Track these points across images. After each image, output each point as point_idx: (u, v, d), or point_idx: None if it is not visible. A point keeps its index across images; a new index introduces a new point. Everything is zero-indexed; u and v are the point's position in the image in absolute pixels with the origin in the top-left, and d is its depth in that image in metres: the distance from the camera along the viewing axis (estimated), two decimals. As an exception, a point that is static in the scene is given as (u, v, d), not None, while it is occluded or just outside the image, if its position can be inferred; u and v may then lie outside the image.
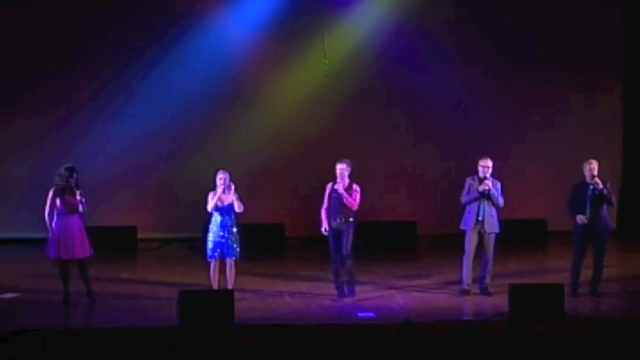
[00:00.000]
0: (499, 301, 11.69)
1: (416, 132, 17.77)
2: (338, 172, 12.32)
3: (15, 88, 17.15)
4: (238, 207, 12.12)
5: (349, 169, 12.33)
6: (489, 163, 12.48)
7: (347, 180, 12.32)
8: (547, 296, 11.07)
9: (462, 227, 12.63)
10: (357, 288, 12.52)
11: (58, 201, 12.06)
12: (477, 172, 12.55)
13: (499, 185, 12.53)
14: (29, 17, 16.95)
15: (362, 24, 17.40)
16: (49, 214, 12.10)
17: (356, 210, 12.35)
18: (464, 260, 12.56)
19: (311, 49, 17.49)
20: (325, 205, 12.41)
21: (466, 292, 12.48)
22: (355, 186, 12.37)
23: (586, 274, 12.48)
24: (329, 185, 12.46)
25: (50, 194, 12.14)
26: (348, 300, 12.23)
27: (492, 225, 12.49)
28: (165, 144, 17.43)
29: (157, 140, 17.39)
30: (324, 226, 12.36)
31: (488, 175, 12.44)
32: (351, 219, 12.32)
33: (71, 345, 9.75)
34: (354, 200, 12.29)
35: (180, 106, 17.27)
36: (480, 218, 12.42)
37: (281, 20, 17.29)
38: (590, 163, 12.31)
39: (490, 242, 12.52)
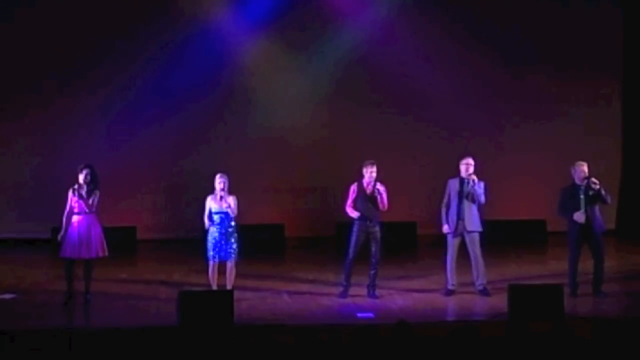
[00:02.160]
0: (499, 301, 11.68)
1: (416, 132, 17.79)
2: (369, 174, 12.22)
3: (13, 91, 17.21)
4: (232, 212, 12.12)
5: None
6: (471, 161, 12.47)
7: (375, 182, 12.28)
8: (546, 296, 11.06)
9: (445, 231, 12.57)
10: (357, 288, 12.53)
11: (72, 201, 12.06)
12: (459, 172, 12.53)
13: (482, 184, 12.47)
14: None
15: (362, 24, 17.43)
16: (66, 214, 12.09)
17: (386, 209, 12.29)
18: (448, 263, 12.53)
19: (311, 49, 17.50)
20: (350, 205, 12.30)
21: (451, 293, 12.47)
22: (381, 186, 12.25)
23: (585, 274, 12.48)
24: (354, 187, 12.36)
25: (69, 193, 12.14)
26: (348, 300, 12.24)
27: (473, 224, 12.42)
28: (165, 144, 17.45)
29: (157, 140, 17.41)
30: (356, 214, 12.21)
31: (471, 172, 12.41)
32: (378, 222, 12.29)
33: (71, 345, 9.75)
34: (385, 200, 12.23)
35: (180, 106, 17.30)
36: (461, 218, 12.38)
37: (281, 20, 17.32)
38: (581, 165, 12.30)
39: (475, 240, 12.44)
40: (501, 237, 16.82)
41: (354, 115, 17.60)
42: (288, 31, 17.41)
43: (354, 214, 12.27)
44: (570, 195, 12.29)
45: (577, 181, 12.27)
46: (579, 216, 12.18)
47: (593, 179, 12.14)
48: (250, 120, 17.52)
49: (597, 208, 12.29)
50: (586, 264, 12.48)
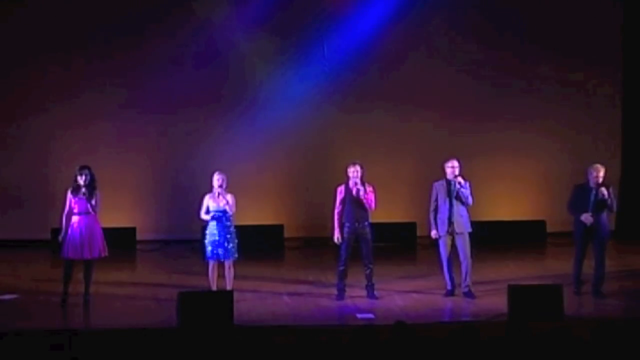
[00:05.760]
0: (498, 302, 11.68)
1: (416, 132, 17.77)
2: (351, 174, 12.20)
3: (13, 91, 17.20)
4: (230, 209, 12.11)
5: (362, 170, 12.24)
6: (456, 163, 12.46)
7: (359, 182, 12.24)
8: (546, 297, 11.06)
9: (434, 236, 12.56)
10: (357, 290, 12.52)
11: (71, 202, 12.06)
12: (445, 174, 12.51)
13: (468, 184, 12.46)
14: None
15: (361, 23, 17.44)
16: (65, 215, 12.09)
17: (373, 210, 12.29)
18: (444, 264, 12.51)
19: (311, 49, 17.49)
20: (338, 209, 12.29)
21: (451, 293, 12.47)
22: (369, 186, 12.28)
23: (585, 274, 12.48)
24: (341, 189, 12.33)
25: (67, 194, 12.13)
26: (348, 301, 12.23)
27: (462, 225, 12.38)
28: (165, 144, 17.44)
29: (157, 140, 17.41)
30: (337, 236, 12.25)
31: (457, 174, 12.40)
32: (367, 223, 12.27)
33: (71, 345, 9.75)
34: (371, 200, 12.24)
35: (180, 106, 17.29)
36: (452, 220, 12.37)
37: (281, 20, 17.31)
38: (598, 170, 12.20)
39: (464, 241, 12.40)
40: (501, 237, 16.81)
41: (354, 115, 17.59)
42: (289, 30, 17.40)
43: (336, 230, 12.20)
44: (581, 195, 12.27)
45: (591, 183, 12.22)
46: (587, 218, 12.17)
47: (602, 190, 12.10)
48: (250, 120, 17.50)
49: (605, 212, 12.29)
50: (586, 264, 12.47)
